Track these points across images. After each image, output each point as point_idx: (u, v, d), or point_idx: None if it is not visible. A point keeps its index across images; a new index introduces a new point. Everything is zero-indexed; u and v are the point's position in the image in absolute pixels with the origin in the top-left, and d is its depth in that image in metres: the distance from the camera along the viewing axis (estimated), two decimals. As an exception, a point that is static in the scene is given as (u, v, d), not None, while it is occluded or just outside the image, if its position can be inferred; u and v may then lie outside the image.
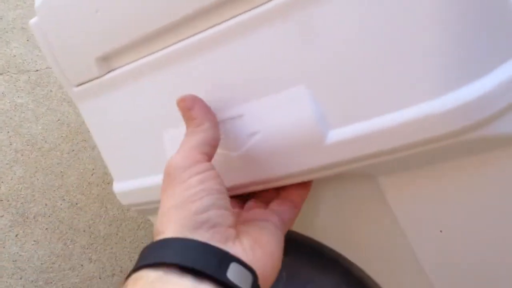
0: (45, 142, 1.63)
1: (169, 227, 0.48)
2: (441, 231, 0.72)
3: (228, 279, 0.43)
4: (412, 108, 0.57)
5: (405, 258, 0.78)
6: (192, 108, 0.64)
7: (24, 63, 1.75)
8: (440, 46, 0.56)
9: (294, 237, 0.93)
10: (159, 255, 0.44)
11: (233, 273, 0.44)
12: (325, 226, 0.84)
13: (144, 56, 0.78)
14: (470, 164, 0.63)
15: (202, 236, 0.46)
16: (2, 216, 1.44)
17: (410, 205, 0.71)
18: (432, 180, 0.67)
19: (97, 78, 0.84)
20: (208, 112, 0.66)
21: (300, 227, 0.86)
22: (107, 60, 0.83)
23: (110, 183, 1.68)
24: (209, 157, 0.61)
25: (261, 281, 0.48)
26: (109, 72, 0.83)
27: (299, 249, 0.91)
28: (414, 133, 0.58)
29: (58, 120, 1.69)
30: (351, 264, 0.86)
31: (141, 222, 1.62)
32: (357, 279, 0.92)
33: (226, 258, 0.45)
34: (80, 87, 0.87)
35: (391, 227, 0.75)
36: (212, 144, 0.63)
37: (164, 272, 0.41)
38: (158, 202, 0.86)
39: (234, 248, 0.48)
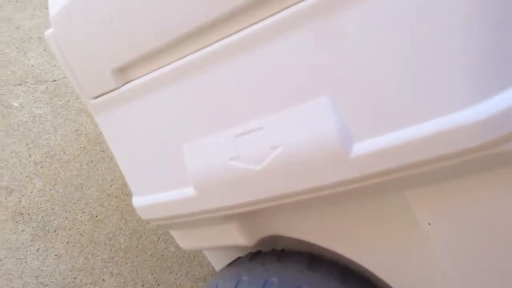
0: (64, 153, 1.62)
1: None
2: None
3: None
4: (445, 118, 0.54)
5: (432, 275, 0.74)
6: None
7: (41, 73, 1.74)
8: (474, 52, 0.52)
9: (319, 253, 0.90)
10: None
11: None
12: (349, 240, 0.81)
13: (161, 67, 0.76)
14: (503, 176, 0.59)
15: None
16: (23, 230, 1.43)
17: (439, 219, 0.67)
18: (462, 193, 0.63)
19: (114, 90, 0.82)
20: None
21: (323, 240, 0.83)
22: (123, 72, 0.81)
23: (128, 194, 1.67)
24: None
25: None
26: (125, 83, 0.81)
27: (327, 267, 0.88)
28: (447, 144, 0.54)
29: (76, 130, 1.68)
30: (376, 278, 0.83)
31: (161, 234, 1.60)
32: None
33: None
34: (97, 100, 0.85)
35: (418, 242, 0.72)
36: None
37: None
38: (180, 216, 0.84)
39: None
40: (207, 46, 0.70)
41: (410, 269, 0.77)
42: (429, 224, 0.67)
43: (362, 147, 0.60)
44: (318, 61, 0.61)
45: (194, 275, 1.53)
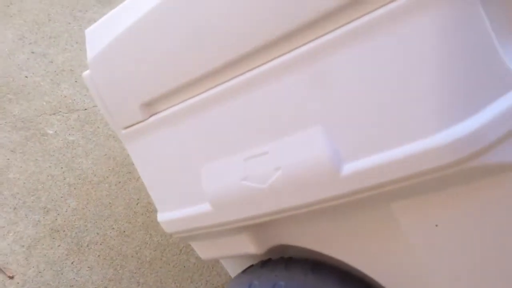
0: (95, 175, 1.77)
1: None
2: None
3: None
4: (419, 141, 0.65)
5: (421, 276, 0.84)
6: None
7: (73, 102, 1.91)
8: (442, 87, 0.64)
9: (322, 260, 1.01)
10: None
11: None
12: (346, 247, 0.92)
13: (181, 102, 0.89)
14: (473, 189, 0.70)
15: None
16: (59, 245, 1.57)
17: (422, 228, 0.77)
18: (442, 204, 0.74)
19: (141, 121, 0.96)
20: None
21: (323, 247, 0.94)
22: (149, 106, 0.94)
23: (153, 211, 1.80)
24: None
25: None
26: (151, 116, 0.95)
27: (329, 271, 0.99)
28: (421, 163, 0.66)
29: (105, 154, 1.83)
30: (373, 281, 0.93)
31: (183, 247, 1.72)
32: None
33: None
34: (127, 130, 0.99)
35: (407, 247, 0.82)
36: None
37: None
38: (198, 229, 0.96)
39: None
40: (219, 85, 0.83)
41: (401, 271, 0.86)
42: (436, 225, 0.77)
43: (350, 167, 0.71)
44: (312, 97, 0.73)
45: (213, 284, 1.65)
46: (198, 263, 1.70)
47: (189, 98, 0.88)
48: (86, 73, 1.00)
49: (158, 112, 0.94)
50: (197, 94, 0.86)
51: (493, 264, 0.75)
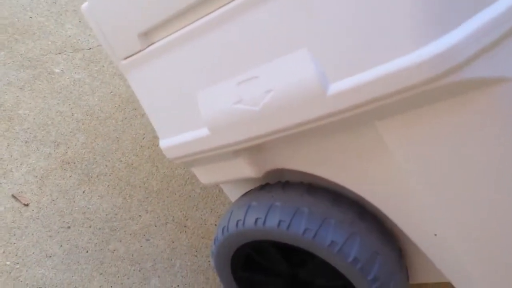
0: (102, 112, 1.82)
1: None
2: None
3: None
4: (398, 60, 0.69)
5: (407, 193, 0.90)
6: None
7: (78, 42, 1.94)
8: (418, 8, 0.66)
9: (317, 183, 1.07)
10: None
11: None
12: (342, 170, 0.97)
13: (178, 30, 0.92)
14: (451, 105, 0.74)
15: None
16: (70, 176, 1.65)
17: (405, 144, 0.82)
18: (422, 120, 0.78)
19: (140, 51, 0.99)
20: None
21: (315, 168, 1.00)
22: (147, 35, 0.97)
23: (159, 145, 1.85)
24: None
25: None
26: (149, 45, 0.98)
27: (322, 192, 1.05)
28: (400, 81, 0.69)
29: (111, 92, 1.88)
30: (364, 201, 1.00)
31: (188, 178, 1.79)
32: (369, 214, 1.05)
33: None
34: (126, 60, 1.03)
35: (391, 166, 0.87)
36: None
37: None
38: (198, 153, 1.02)
39: None
40: (211, 13, 0.86)
41: (387, 187, 0.92)
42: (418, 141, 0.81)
43: (336, 86, 0.75)
44: (298, 20, 0.76)
45: (217, 212, 1.73)
46: (203, 193, 1.78)
47: (183, 27, 0.91)
48: (84, 5, 1.03)
49: (156, 42, 0.97)
50: (191, 23, 0.89)
51: (470, 175, 0.80)
